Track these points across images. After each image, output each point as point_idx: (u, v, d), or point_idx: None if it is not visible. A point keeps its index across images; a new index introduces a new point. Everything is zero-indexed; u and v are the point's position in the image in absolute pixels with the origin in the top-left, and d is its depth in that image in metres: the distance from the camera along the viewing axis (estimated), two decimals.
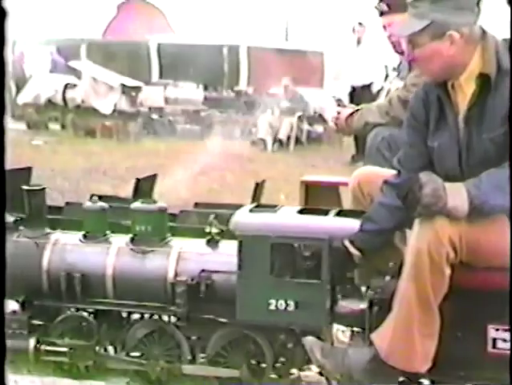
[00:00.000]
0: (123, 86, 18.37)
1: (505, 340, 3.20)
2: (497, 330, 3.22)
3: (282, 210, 3.58)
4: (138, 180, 4.04)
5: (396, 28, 3.28)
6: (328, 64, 23.61)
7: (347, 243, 3.39)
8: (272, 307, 3.40)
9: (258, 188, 4.13)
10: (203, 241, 3.65)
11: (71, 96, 18.37)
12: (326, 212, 3.55)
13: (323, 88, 20.40)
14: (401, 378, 3.33)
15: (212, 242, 3.64)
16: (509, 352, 3.18)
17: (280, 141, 15.21)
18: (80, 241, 3.71)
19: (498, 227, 3.17)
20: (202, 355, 3.59)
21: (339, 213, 3.57)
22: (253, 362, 3.56)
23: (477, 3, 3.19)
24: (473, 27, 3.18)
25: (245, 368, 3.53)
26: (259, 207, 3.63)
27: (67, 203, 4.21)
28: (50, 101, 18.56)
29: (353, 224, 3.39)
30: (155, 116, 17.90)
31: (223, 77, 19.97)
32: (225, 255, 3.51)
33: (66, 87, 18.54)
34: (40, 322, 3.68)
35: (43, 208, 3.76)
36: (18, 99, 18.98)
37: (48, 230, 3.76)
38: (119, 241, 3.69)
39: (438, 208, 3.04)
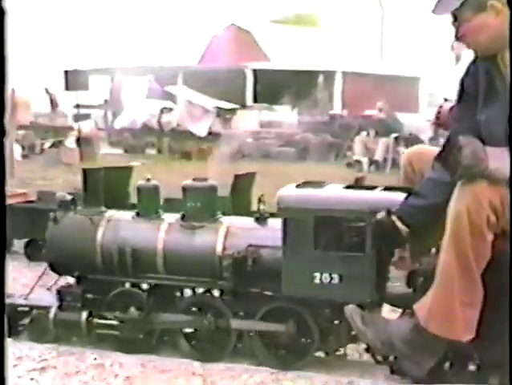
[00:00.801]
0: (218, 109, 18.71)
1: None
2: None
3: (328, 186, 3.58)
4: (236, 176, 4.02)
5: (439, 9, 3.24)
6: (424, 90, 23.33)
7: (394, 218, 3.36)
8: (317, 281, 3.39)
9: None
10: (252, 218, 3.68)
11: (166, 120, 18.84)
12: (372, 188, 3.53)
13: (418, 113, 20.20)
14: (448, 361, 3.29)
15: (260, 219, 3.66)
16: None
17: (376, 163, 15.09)
18: (133, 218, 3.80)
19: None
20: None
21: (386, 190, 3.54)
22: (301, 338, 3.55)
23: None
24: None
25: (292, 324, 3.52)
26: (307, 183, 3.64)
27: None
28: (146, 126, 19.09)
29: (396, 198, 3.35)
30: (249, 139, 18.13)
31: (318, 101, 20.06)
32: (273, 231, 3.52)
33: (162, 111, 19.04)
34: (93, 296, 3.78)
35: (99, 187, 3.88)
36: (115, 124, 19.61)
37: (104, 208, 3.87)
38: (171, 217, 3.76)
39: (479, 170, 2.99)
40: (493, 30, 3.14)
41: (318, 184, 3.60)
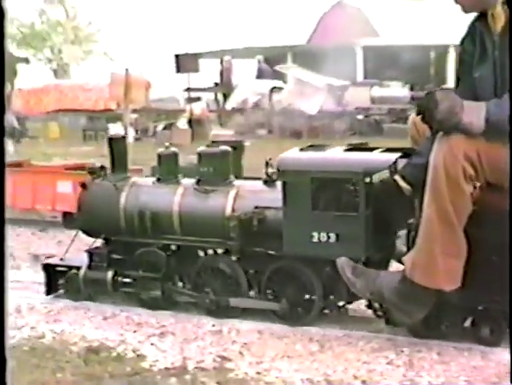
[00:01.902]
0: (329, 86, 18.71)
1: None
2: None
3: (329, 149, 3.72)
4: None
5: None
6: None
7: (397, 177, 3.47)
8: (315, 240, 3.55)
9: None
10: (261, 181, 3.87)
11: (277, 99, 19.04)
12: (371, 150, 3.64)
13: None
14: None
15: (269, 182, 3.84)
16: None
17: None
18: (153, 183, 4.07)
19: None
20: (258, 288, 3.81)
21: (387, 151, 3.64)
22: (305, 294, 3.72)
23: None
24: None
25: (285, 302, 3.70)
26: (311, 147, 3.79)
27: None
28: (256, 106, 19.37)
29: (389, 158, 3.46)
30: (360, 116, 18.10)
31: (430, 76, 19.74)
32: (280, 193, 3.69)
33: (272, 91, 19.26)
34: (118, 257, 4.08)
35: (125, 155, 4.17)
36: (226, 105, 20.01)
37: (128, 175, 4.16)
38: (187, 182, 4.01)
39: (452, 124, 3.09)
40: None
41: (320, 148, 3.75)
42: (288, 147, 3.41)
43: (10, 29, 30.41)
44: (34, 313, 4.03)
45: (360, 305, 3.88)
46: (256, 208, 3.74)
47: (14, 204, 6.79)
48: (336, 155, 3.62)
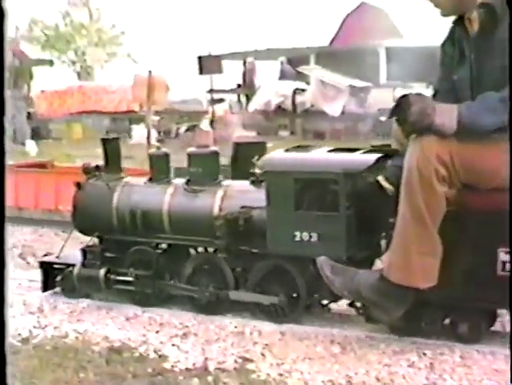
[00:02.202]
0: (352, 87, 18.74)
1: None
2: (507, 253, 3.28)
3: (313, 150, 3.82)
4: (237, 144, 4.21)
5: None
6: None
7: (380, 178, 3.57)
8: (297, 239, 3.65)
9: None
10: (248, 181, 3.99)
11: (300, 101, 19.12)
12: (353, 151, 3.74)
13: None
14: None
15: (256, 182, 3.95)
16: None
17: None
18: (144, 183, 4.20)
19: (495, 148, 3.24)
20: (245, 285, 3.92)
21: (370, 152, 3.73)
22: (290, 292, 3.82)
23: None
24: None
25: (284, 296, 3.81)
26: (296, 148, 3.90)
27: None
28: (279, 107, 19.45)
29: (369, 159, 3.56)
30: (383, 118, 18.12)
31: None
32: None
33: (295, 92, 19.34)
34: (111, 255, 4.22)
35: (118, 156, 4.31)
36: (249, 107, 20.15)
37: (122, 175, 4.30)
38: (178, 182, 4.13)
39: (425, 125, 3.18)
40: None
41: (304, 149, 3.85)
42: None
43: (35, 31, 30.86)
44: (58, 312, 4.13)
45: None
46: (242, 207, 3.85)
47: (36, 205, 6.96)
48: (318, 156, 3.73)
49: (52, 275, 4.38)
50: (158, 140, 17.42)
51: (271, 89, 19.77)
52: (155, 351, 3.52)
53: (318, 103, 18.86)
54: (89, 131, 19.81)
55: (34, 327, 3.88)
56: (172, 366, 3.35)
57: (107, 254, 4.21)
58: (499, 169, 3.24)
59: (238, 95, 21.28)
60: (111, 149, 4.29)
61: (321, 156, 3.72)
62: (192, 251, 4.14)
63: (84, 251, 4.23)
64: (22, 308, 4.17)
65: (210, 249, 4.07)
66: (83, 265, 4.22)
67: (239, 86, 21.35)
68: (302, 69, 20.46)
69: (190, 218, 3.98)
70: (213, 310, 3.98)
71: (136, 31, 30.09)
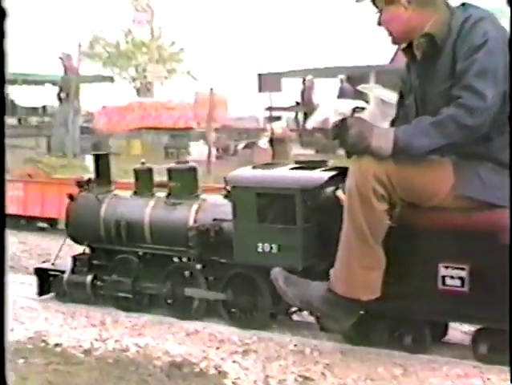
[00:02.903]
0: None
1: (452, 277, 3.53)
2: (447, 268, 3.54)
3: (277, 167, 4.15)
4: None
5: None
6: None
7: (339, 192, 3.88)
8: (259, 250, 3.97)
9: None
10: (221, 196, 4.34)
11: None
12: (313, 169, 4.06)
13: None
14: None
15: (228, 196, 4.29)
16: (458, 288, 3.52)
17: None
18: (130, 196, 4.60)
19: (430, 169, 3.51)
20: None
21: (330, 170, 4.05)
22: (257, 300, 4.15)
23: None
24: None
25: (231, 293, 4.14)
26: (265, 165, 4.24)
27: None
28: None
29: (323, 176, 3.88)
30: None
31: None
32: None
33: (354, 110, 19.56)
34: (98, 262, 4.62)
35: (108, 170, 4.73)
36: (307, 124, 20.48)
37: (112, 188, 4.71)
38: (159, 195, 4.51)
39: (362, 147, 3.47)
40: (402, 21, 3.61)
41: (270, 166, 4.19)
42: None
43: (97, 48, 31.90)
44: (119, 326, 4.26)
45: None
46: (214, 220, 4.21)
47: None
48: (279, 173, 4.05)
49: (48, 281, 4.81)
50: (217, 157, 17.94)
51: (330, 107, 20.03)
52: (215, 367, 3.60)
53: (378, 121, 18.95)
54: (148, 147, 20.40)
55: (96, 340, 4.01)
56: (233, 382, 3.45)
57: (95, 262, 4.61)
58: (435, 189, 3.51)
59: (296, 113, 21.61)
60: (102, 164, 4.70)
61: (282, 173, 4.04)
62: (176, 259, 4.50)
63: (74, 258, 4.65)
64: (85, 320, 4.37)
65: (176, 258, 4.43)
66: (73, 271, 4.63)
67: (298, 103, 21.68)
68: (361, 87, 20.67)
69: (168, 229, 4.35)
70: (187, 315, 4.33)
71: (196, 48, 30.80)
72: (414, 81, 3.73)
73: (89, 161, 14.19)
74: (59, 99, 17.83)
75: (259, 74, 18.78)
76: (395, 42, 3.76)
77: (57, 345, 3.93)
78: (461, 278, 3.53)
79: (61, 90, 17.68)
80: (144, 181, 4.57)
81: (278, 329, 4.15)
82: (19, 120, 26.56)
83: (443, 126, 3.40)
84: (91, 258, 4.62)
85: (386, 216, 3.54)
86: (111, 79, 27.76)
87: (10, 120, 26.16)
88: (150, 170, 4.59)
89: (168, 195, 4.45)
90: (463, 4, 3.65)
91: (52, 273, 4.79)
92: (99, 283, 4.56)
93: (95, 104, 21.86)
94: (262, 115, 21.25)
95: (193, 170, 4.45)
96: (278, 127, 19.43)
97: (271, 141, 18.25)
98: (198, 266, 4.29)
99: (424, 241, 3.62)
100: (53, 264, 4.85)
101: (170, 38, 31.92)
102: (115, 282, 4.51)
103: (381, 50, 23.13)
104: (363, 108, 19.63)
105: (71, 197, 4.68)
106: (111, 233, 4.52)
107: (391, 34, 3.74)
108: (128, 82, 31.07)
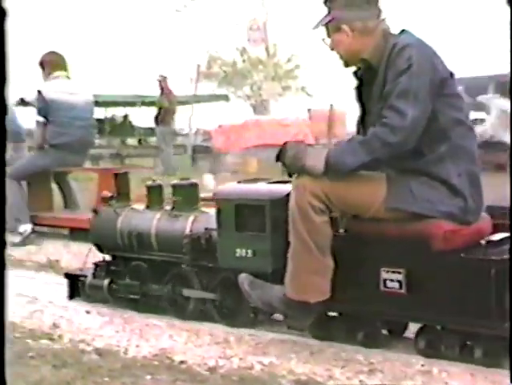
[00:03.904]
0: None
1: (392, 280, 4.09)
2: (388, 272, 4.11)
3: (258, 182, 4.83)
4: None
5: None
6: None
7: None
8: (238, 255, 4.62)
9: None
10: None
11: (479, 131, 19.42)
12: (285, 183, 4.71)
13: None
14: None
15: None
16: (397, 290, 4.08)
17: None
18: (143, 210, 5.41)
19: (362, 183, 4.12)
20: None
21: None
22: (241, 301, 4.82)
23: (367, 2, 4.23)
24: (366, 22, 4.22)
25: (219, 293, 4.82)
26: (250, 180, 4.94)
27: None
28: None
29: (289, 189, 4.53)
30: None
31: None
32: None
33: (474, 122, 19.67)
34: (115, 268, 5.43)
35: (128, 187, 5.55)
36: None
37: (129, 203, 5.53)
38: (167, 209, 5.29)
39: (298, 167, 4.12)
40: (346, 47, 4.26)
41: (252, 181, 4.87)
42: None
43: (214, 68, 33.25)
44: (243, 344, 4.46)
45: None
46: (206, 229, 4.94)
47: None
48: (255, 186, 4.72)
49: (77, 284, 5.68)
50: None
51: None
52: None
53: (499, 133, 19.05)
54: (264, 164, 21.18)
55: (220, 358, 4.20)
56: None
57: (112, 267, 5.41)
58: (368, 202, 4.09)
59: None
60: (121, 182, 5.53)
61: (257, 186, 4.71)
62: (174, 265, 5.23)
63: (96, 265, 5.50)
64: (208, 338, 4.63)
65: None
66: (94, 276, 5.48)
67: None
68: (481, 98, 20.74)
69: (170, 238, 5.08)
70: (186, 315, 5.07)
71: (310, 64, 31.45)
72: (359, 100, 4.36)
73: (207, 180, 15.12)
74: (156, 120, 18.95)
75: None
76: (345, 64, 4.40)
77: (182, 362, 4.14)
78: (399, 281, 4.09)
79: (159, 111, 18.80)
80: (154, 196, 5.34)
81: (404, 349, 4.28)
82: (139, 141, 28.19)
83: (369, 144, 3.99)
84: (109, 264, 5.42)
85: (327, 227, 4.13)
86: (226, 98, 28.89)
87: (130, 141, 27.85)
88: (160, 186, 5.36)
89: (173, 208, 5.21)
90: (402, 31, 4.26)
91: (80, 278, 5.65)
92: (114, 286, 5.36)
93: (211, 123, 22.84)
94: None
95: (194, 186, 5.19)
96: None
97: None
98: (195, 269, 5.00)
99: (368, 247, 4.18)
100: (81, 269, 5.71)
101: (285, 55, 32.90)
102: (127, 286, 5.29)
103: (500, 60, 23.07)
104: (482, 120, 19.74)
105: (95, 211, 5.53)
106: (125, 241, 5.32)
107: (341, 57, 4.40)
108: (242, 100, 32.21)
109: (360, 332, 4.36)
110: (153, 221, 5.20)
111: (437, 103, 4.03)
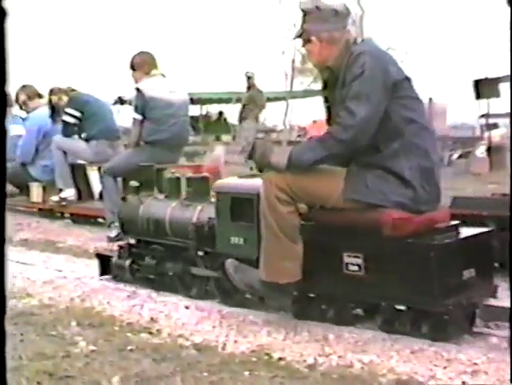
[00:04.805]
0: None
1: (353, 264, 4.80)
2: (349, 256, 4.82)
3: (254, 178, 5.55)
4: None
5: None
6: None
7: None
8: (232, 242, 5.38)
9: None
10: None
11: None
12: None
13: None
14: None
15: None
16: (357, 272, 4.79)
17: None
18: (162, 199, 6.24)
19: (325, 177, 4.82)
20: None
21: None
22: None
23: (334, 15, 4.94)
24: (332, 33, 4.93)
25: (221, 272, 5.56)
26: (248, 175, 5.69)
27: None
28: None
29: None
30: None
31: None
32: None
33: None
34: (136, 250, 6.29)
35: (152, 179, 6.40)
36: None
37: (153, 192, 6.39)
38: (180, 199, 6.11)
39: (265, 163, 4.87)
40: (315, 55, 4.98)
41: (250, 176, 5.61)
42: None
43: (308, 64, 33.77)
44: (342, 342, 4.56)
45: None
46: (209, 218, 5.73)
47: None
48: (249, 182, 5.42)
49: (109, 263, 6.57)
50: None
51: None
52: None
53: None
54: None
55: (319, 355, 4.30)
56: None
57: (133, 250, 6.29)
58: (328, 193, 4.77)
59: None
60: (146, 174, 6.41)
61: (251, 182, 5.41)
62: (184, 248, 6.01)
63: (120, 247, 6.39)
64: (307, 335, 4.75)
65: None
66: (119, 256, 6.37)
67: None
68: None
69: (180, 225, 5.92)
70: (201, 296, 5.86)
71: (412, 56, 31.47)
72: (326, 103, 5.07)
73: None
74: (240, 117, 19.63)
75: (475, 81, 19.39)
76: (319, 70, 5.13)
77: (280, 359, 4.26)
78: (358, 265, 4.78)
79: (243, 108, 19.50)
80: (173, 187, 6.17)
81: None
82: (234, 138, 29.11)
83: (325, 141, 4.69)
84: (131, 247, 6.29)
85: (293, 217, 4.83)
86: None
87: (225, 138, 28.79)
88: (178, 178, 6.18)
89: (185, 198, 6.04)
90: (362, 40, 4.94)
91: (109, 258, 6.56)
92: (135, 266, 6.24)
93: (306, 119, 23.46)
94: (477, 122, 21.72)
95: (206, 178, 5.99)
96: (497, 135, 19.93)
97: (489, 150, 18.83)
98: (200, 253, 5.81)
99: (333, 235, 4.87)
100: (110, 250, 6.62)
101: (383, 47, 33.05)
102: (145, 266, 6.15)
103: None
104: None
105: (123, 199, 6.43)
106: (145, 227, 6.17)
107: (314, 64, 5.12)
108: None
109: (331, 311, 5.03)
110: (168, 209, 6.02)
111: (391, 104, 4.69)
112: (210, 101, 29.08)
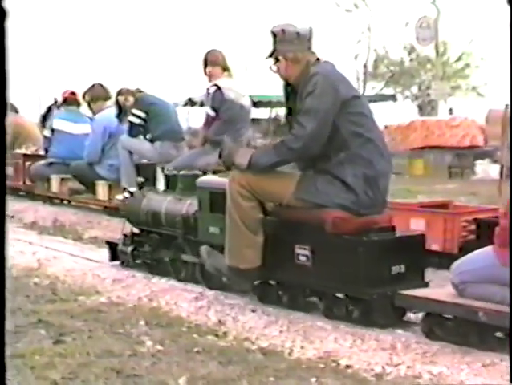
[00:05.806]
0: None
1: (302, 255, 5.66)
2: (300, 248, 5.67)
3: None
4: None
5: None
6: None
7: None
8: (210, 231, 6.33)
9: None
10: None
11: None
12: None
13: None
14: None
15: None
16: (305, 263, 5.64)
17: None
18: (161, 193, 7.24)
19: (280, 178, 5.68)
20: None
21: None
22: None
23: (297, 38, 5.84)
24: (296, 53, 5.82)
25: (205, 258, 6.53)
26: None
27: None
28: None
29: None
30: None
31: None
32: None
33: None
34: (137, 238, 7.27)
35: (154, 176, 7.41)
36: None
37: (155, 188, 7.39)
38: (175, 193, 7.10)
39: (230, 163, 5.80)
40: (282, 71, 5.79)
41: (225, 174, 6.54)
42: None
43: (380, 68, 34.24)
44: (410, 352, 4.55)
45: None
46: (195, 211, 6.69)
47: None
48: (225, 179, 6.38)
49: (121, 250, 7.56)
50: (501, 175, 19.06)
51: None
52: None
53: None
54: (430, 166, 21.79)
55: (387, 364, 4.32)
56: None
57: (136, 238, 7.29)
58: (281, 193, 5.63)
59: None
60: (148, 172, 7.43)
61: (226, 179, 6.38)
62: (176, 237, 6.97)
63: (124, 235, 7.41)
64: (375, 343, 4.77)
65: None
66: (123, 244, 7.40)
67: None
68: None
69: (172, 216, 6.87)
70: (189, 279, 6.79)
71: (482, 63, 31.46)
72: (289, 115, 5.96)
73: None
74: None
75: None
76: (283, 85, 6.01)
77: (348, 366, 4.31)
78: (306, 256, 5.67)
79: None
80: (171, 183, 7.15)
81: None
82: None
83: (279, 148, 5.57)
84: (134, 235, 7.30)
85: (254, 211, 5.67)
86: (393, 98, 29.83)
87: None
88: (175, 175, 7.15)
89: (178, 193, 7.02)
90: (323, 61, 5.80)
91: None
92: (136, 253, 7.26)
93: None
94: None
95: (195, 176, 6.94)
96: None
97: None
98: (187, 242, 6.77)
99: (287, 229, 5.73)
100: (119, 239, 7.67)
101: (455, 53, 33.31)
102: (143, 252, 7.16)
103: None
104: None
105: (130, 193, 7.46)
106: (145, 217, 7.18)
107: (282, 77, 5.98)
108: (410, 100, 33.02)
109: (285, 296, 5.93)
110: (164, 203, 7.01)
111: (340, 119, 5.50)
112: (280, 104, 30.01)
